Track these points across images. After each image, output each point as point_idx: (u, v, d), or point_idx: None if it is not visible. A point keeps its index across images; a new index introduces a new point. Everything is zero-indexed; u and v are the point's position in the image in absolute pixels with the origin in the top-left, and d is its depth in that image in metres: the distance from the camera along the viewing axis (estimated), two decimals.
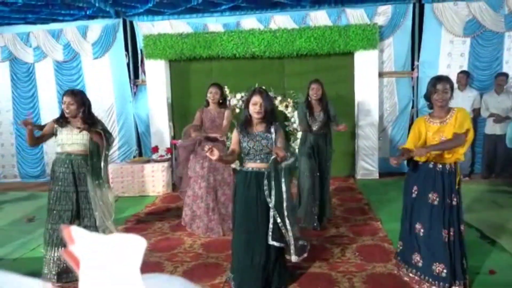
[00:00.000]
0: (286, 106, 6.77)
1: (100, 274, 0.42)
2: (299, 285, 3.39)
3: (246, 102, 3.31)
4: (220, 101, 4.84)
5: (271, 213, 3.16)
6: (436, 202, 3.08)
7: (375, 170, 7.01)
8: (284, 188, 3.21)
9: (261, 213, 3.18)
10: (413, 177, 3.24)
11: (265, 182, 3.16)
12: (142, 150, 7.69)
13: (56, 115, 8.08)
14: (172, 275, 0.55)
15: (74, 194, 3.69)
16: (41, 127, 3.99)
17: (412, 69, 7.08)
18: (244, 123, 3.29)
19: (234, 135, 3.34)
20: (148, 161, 6.79)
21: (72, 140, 3.71)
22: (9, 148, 8.15)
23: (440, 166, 3.11)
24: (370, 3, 6.94)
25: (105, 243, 0.42)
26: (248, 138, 3.23)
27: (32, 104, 7.91)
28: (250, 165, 3.24)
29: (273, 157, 3.13)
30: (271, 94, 6.74)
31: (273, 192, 3.17)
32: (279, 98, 6.74)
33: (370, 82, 6.89)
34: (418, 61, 7.03)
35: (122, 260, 0.42)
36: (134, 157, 7.51)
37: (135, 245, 0.44)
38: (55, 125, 3.74)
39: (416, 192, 3.20)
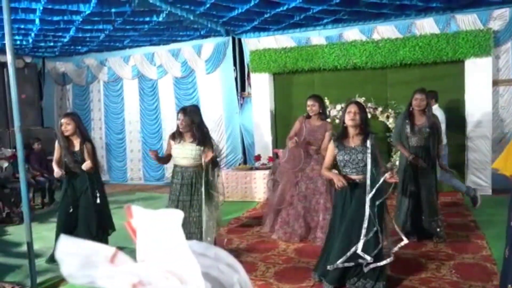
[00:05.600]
0: (387, 117, 6.65)
1: (151, 242, 0.58)
2: None
3: (343, 114, 3.49)
4: (320, 111, 4.92)
5: (365, 224, 3.27)
6: None
7: (488, 186, 6.47)
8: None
9: (356, 221, 3.33)
10: None
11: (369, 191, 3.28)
12: (247, 158, 8.19)
13: (175, 125, 8.96)
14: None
15: (187, 203, 4.05)
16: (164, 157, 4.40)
17: None
18: (341, 136, 3.48)
19: (330, 148, 3.55)
20: (251, 169, 7.23)
21: (183, 154, 4.09)
22: (137, 154, 9.31)
23: None
24: (484, 7, 6.49)
25: (152, 216, 0.58)
26: (344, 152, 3.39)
27: (155, 116, 8.96)
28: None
29: (382, 178, 3.25)
30: (372, 105, 6.71)
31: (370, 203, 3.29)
32: (380, 109, 6.66)
33: (482, 91, 6.43)
34: None
35: (165, 229, 0.57)
36: (239, 164, 8.04)
37: (173, 216, 0.58)
38: (171, 141, 4.19)
39: None
